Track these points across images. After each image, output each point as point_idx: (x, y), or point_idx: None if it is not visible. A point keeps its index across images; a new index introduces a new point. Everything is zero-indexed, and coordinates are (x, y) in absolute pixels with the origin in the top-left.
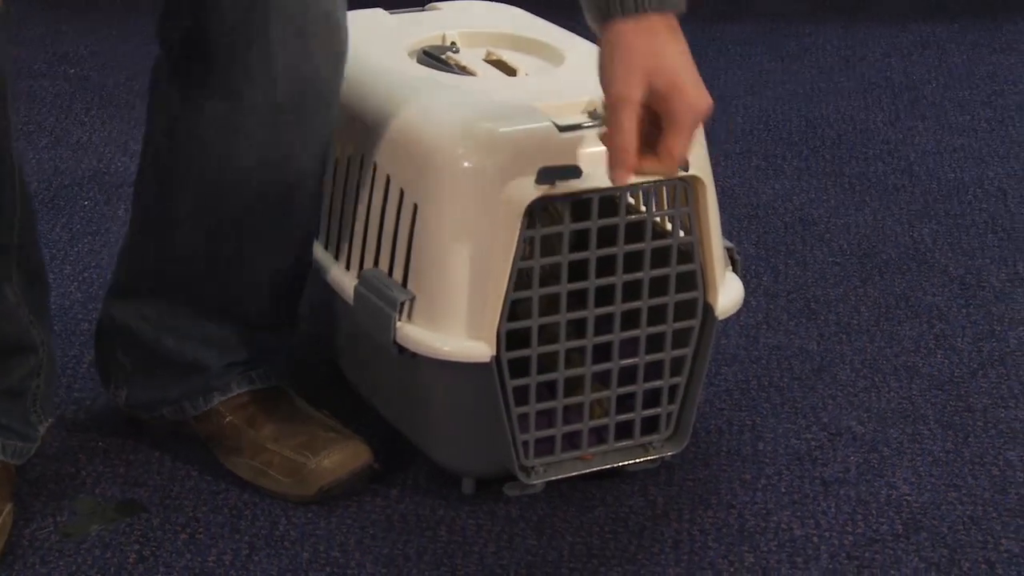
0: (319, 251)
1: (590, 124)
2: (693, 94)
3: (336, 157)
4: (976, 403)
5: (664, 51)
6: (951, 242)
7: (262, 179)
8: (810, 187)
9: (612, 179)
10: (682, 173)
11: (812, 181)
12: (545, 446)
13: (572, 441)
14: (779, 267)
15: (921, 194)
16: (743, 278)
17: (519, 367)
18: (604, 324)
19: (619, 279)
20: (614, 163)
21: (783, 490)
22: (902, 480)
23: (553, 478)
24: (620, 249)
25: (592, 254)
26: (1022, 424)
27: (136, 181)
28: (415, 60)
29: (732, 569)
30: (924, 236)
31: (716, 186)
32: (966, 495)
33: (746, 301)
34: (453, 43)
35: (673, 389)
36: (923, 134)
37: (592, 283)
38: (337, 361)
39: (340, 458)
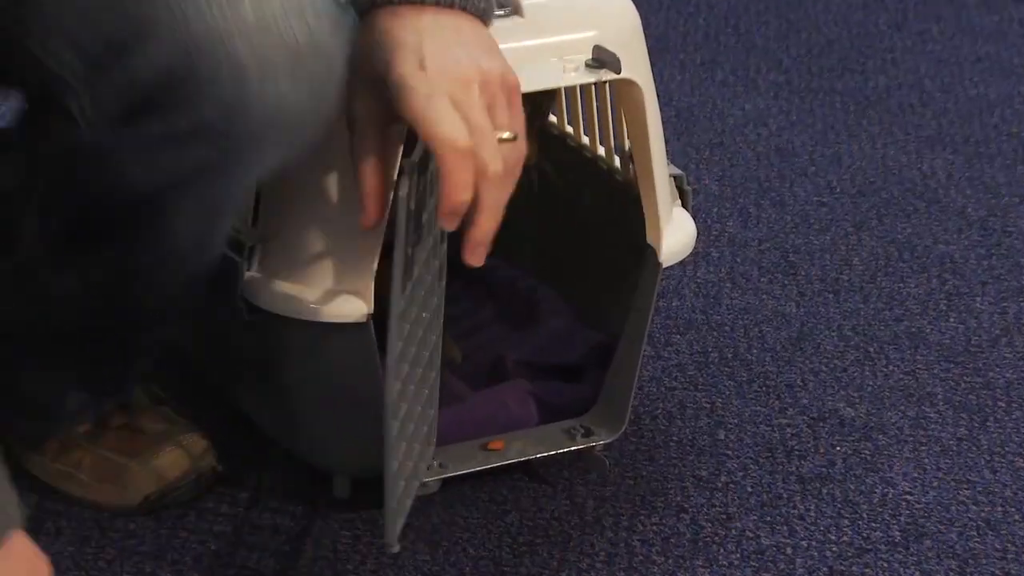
0: None
1: (499, 14)
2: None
3: None
4: (996, 379)
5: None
6: (970, 176)
7: None
8: (790, 107)
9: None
10: (611, 76)
11: (793, 100)
12: (440, 432)
13: (475, 424)
14: (749, 209)
15: (933, 116)
16: (702, 221)
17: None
18: None
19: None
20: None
21: (749, 489)
22: (901, 475)
23: (451, 475)
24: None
25: None
26: None
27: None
28: None
29: None
30: (936, 169)
31: (669, 106)
32: (982, 493)
33: (706, 252)
34: None
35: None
36: (937, 40)
37: None
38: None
39: (172, 457)
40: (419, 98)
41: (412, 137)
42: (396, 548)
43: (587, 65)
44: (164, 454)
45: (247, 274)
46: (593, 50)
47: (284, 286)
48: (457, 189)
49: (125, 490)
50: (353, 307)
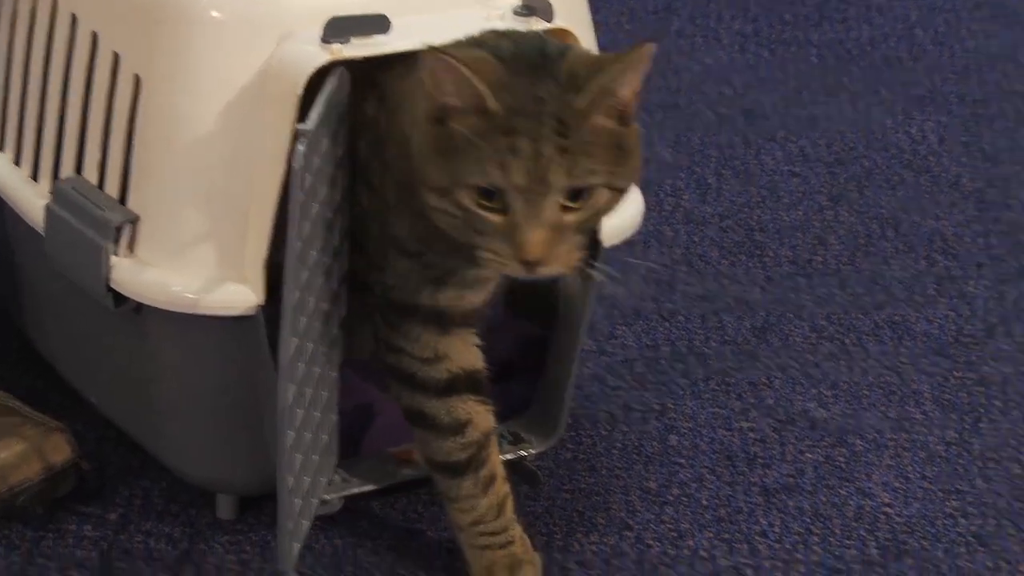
0: None
1: None
2: None
3: (15, 5)
4: (992, 374)
5: None
6: (966, 142)
7: None
8: (759, 62)
9: None
10: (543, 26)
11: (761, 53)
12: (343, 442)
13: (385, 432)
14: (708, 180)
15: (925, 71)
16: (653, 195)
17: None
18: None
19: None
20: None
21: (704, 503)
22: (880, 485)
23: (357, 491)
24: None
25: None
26: None
27: None
28: None
29: None
30: (927, 133)
31: None
32: (972, 505)
33: (657, 230)
34: None
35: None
36: None
37: None
38: (21, 325)
39: (24, 451)
40: None
41: (306, 100)
42: None
43: (515, 13)
44: (15, 447)
45: (114, 259)
46: None
47: (157, 273)
48: None
49: None
50: (239, 297)
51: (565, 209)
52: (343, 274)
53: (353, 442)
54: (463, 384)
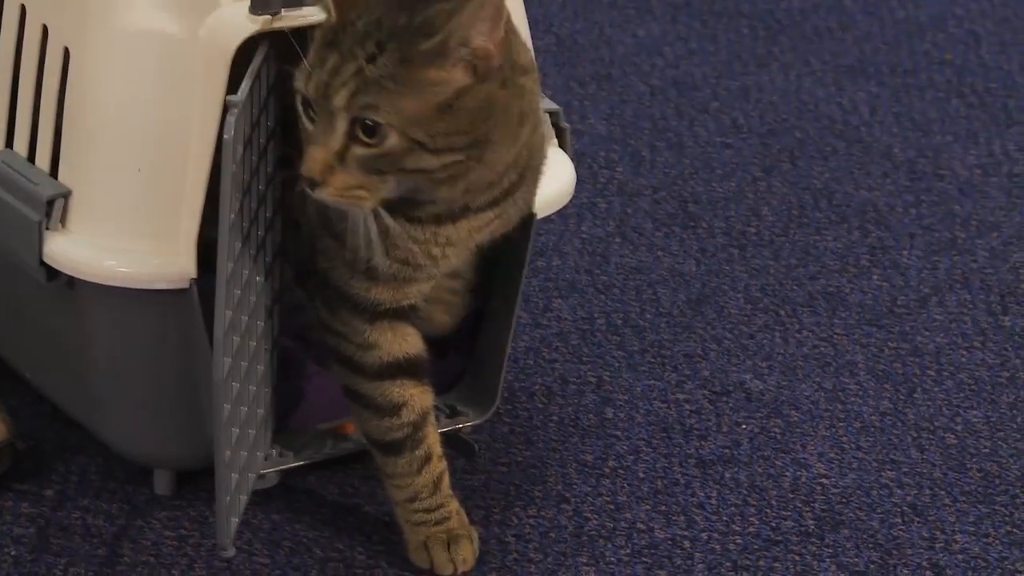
0: None
1: None
2: None
3: None
4: (925, 344)
5: None
6: (897, 112)
7: None
8: (690, 33)
9: None
10: None
11: (693, 25)
12: (280, 416)
13: (319, 408)
14: (642, 152)
15: (854, 42)
16: (587, 167)
17: None
18: None
19: None
20: None
21: (641, 475)
22: (816, 456)
23: (294, 465)
24: None
25: None
26: (990, 371)
27: None
28: None
29: None
30: (858, 103)
31: (549, 33)
32: (907, 475)
33: (592, 202)
34: None
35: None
36: None
37: None
38: None
39: None
40: None
41: (237, 71)
42: (230, 551)
43: None
44: None
45: (46, 233)
46: None
47: (90, 247)
48: None
49: None
50: (172, 270)
51: (357, 141)
52: (276, 247)
53: (284, 416)
54: (397, 370)
